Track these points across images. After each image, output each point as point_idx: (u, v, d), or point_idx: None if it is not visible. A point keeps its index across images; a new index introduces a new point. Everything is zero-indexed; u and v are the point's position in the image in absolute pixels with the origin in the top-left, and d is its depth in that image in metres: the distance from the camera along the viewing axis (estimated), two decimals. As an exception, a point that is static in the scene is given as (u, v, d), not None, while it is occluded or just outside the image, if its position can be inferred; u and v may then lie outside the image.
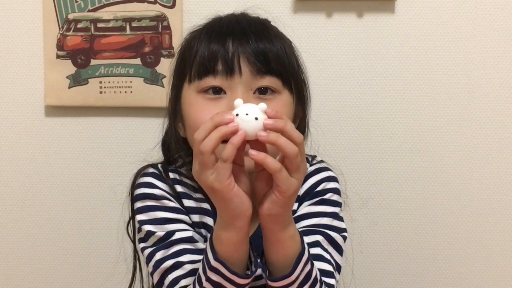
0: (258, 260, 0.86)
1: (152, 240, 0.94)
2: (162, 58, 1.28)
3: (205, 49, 0.93)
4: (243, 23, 0.95)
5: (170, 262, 0.91)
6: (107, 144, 1.32)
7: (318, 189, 1.00)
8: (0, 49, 1.30)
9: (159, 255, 0.92)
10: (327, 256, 0.93)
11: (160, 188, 0.97)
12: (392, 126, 1.31)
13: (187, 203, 0.98)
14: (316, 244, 0.93)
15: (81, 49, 1.28)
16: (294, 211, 0.97)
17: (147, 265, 0.95)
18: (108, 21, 1.27)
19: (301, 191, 0.99)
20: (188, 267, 0.90)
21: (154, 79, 1.28)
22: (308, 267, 0.85)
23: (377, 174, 1.32)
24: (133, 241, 1.05)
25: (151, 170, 1.01)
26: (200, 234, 0.96)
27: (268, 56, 0.92)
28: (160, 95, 1.26)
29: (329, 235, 0.95)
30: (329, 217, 0.97)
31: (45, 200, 1.34)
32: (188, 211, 0.97)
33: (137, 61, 1.28)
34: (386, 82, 1.29)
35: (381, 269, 1.35)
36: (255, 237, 0.89)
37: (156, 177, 0.99)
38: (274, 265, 0.85)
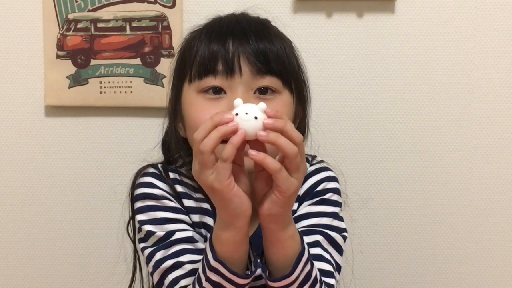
0: (258, 260, 0.86)
1: (152, 240, 0.94)
2: (162, 58, 1.28)
3: (205, 49, 0.93)
4: (243, 23, 0.95)
5: (170, 262, 0.91)
6: (107, 144, 1.32)
7: (318, 189, 1.00)
8: (0, 49, 1.30)
9: (159, 255, 0.92)
10: (327, 256, 0.93)
11: (160, 188, 0.97)
12: (392, 126, 1.31)
13: (187, 203, 0.98)
14: (316, 244, 0.93)
15: (81, 49, 1.28)
16: (294, 211, 0.97)
17: (147, 265, 0.95)
18: (108, 21, 1.27)
19: (301, 191, 0.99)
20: (188, 267, 0.90)
21: (154, 79, 1.28)
22: (308, 267, 0.85)
23: (377, 174, 1.32)
24: (133, 241, 1.05)
25: (151, 170, 1.01)
26: (200, 234, 0.96)
27: (268, 56, 0.92)
28: (160, 95, 1.26)
29: (329, 235, 0.95)
30: (329, 217, 0.97)
31: (45, 200, 1.34)
32: (188, 211, 0.97)
33: (137, 61, 1.28)
34: (386, 82, 1.29)
35: (381, 269, 1.35)
36: (255, 237, 0.89)
37: (156, 177, 0.99)
38: (274, 265, 0.85)
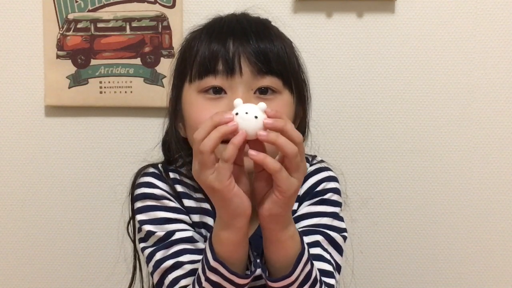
0: (258, 260, 0.86)
1: (152, 240, 0.94)
2: (162, 58, 1.28)
3: (206, 49, 0.93)
4: (243, 23, 0.95)
5: (170, 262, 0.91)
6: (107, 144, 1.32)
7: (318, 189, 1.00)
8: (0, 49, 1.30)
9: (159, 255, 0.92)
10: (327, 256, 0.93)
11: (160, 188, 0.97)
12: (392, 126, 1.31)
13: (187, 203, 0.98)
14: (316, 244, 0.93)
15: (81, 49, 1.28)
16: (294, 211, 0.97)
17: (147, 265, 0.95)
18: (108, 21, 1.27)
19: (301, 191, 0.99)
20: (188, 267, 0.90)
21: (154, 79, 1.28)
22: (308, 267, 0.85)
23: (377, 174, 1.32)
24: (133, 241, 1.05)
25: (151, 170, 1.01)
26: (200, 234, 0.96)
27: (269, 56, 0.92)
28: (160, 95, 1.26)
29: (329, 235, 0.95)
30: (329, 217, 0.97)
31: (45, 200, 1.34)
32: (188, 211, 0.97)
33: (137, 61, 1.28)
34: (386, 82, 1.29)
35: (381, 269, 1.35)
36: (255, 237, 0.89)
37: (156, 177, 0.99)
38: (274, 265, 0.85)
